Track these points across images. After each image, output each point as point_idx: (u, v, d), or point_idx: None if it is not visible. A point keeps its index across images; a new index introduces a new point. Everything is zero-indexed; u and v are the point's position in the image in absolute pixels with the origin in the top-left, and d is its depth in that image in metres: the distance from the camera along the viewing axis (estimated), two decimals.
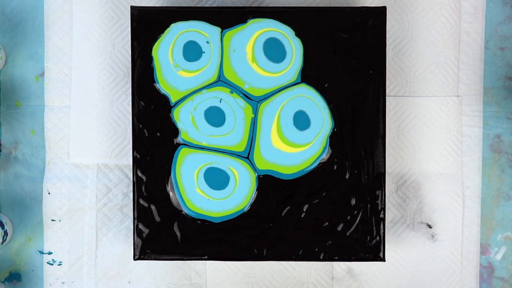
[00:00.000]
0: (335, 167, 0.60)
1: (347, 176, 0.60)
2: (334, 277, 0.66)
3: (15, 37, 0.66)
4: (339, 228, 0.60)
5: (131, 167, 0.63)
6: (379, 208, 0.60)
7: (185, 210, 0.60)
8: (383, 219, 0.60)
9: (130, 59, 0.64)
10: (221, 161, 0.60)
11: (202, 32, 0.60)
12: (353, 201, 0.60)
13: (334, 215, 0.60)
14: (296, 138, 0.60)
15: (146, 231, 0.60)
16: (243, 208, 0.60)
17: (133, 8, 0.60)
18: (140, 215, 0.60)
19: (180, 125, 0.60)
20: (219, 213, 0.60)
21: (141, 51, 0.60)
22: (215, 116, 0.60)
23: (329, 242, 0.60)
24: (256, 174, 0.60)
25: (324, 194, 0.60)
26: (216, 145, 0.60)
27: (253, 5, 0.65)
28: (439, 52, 0.65)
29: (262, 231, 0.60)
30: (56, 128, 0.66)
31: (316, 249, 0.60)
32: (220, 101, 0.60)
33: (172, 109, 0.60)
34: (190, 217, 0.60)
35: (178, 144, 0.60)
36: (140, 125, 0.60)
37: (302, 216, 0.60)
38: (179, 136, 0.60)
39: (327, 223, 0.60)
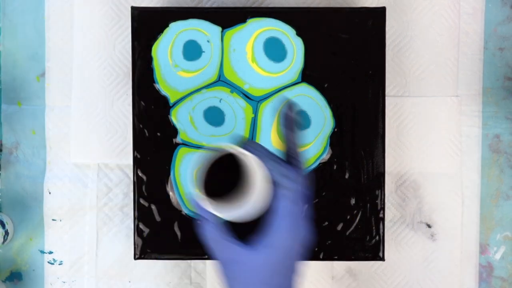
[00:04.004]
0: (335, 167, 0.60)
1: (347, 176, 0.60)
2: (333, 276, 0.66)
3: (16, 37, 0.66)
4: (339, 227, 0.60)
5: (132, 167, 0.63)
6: (379, 208, 0.60)
7: (185, 210, 0.60)
8: (383, 219, 0.60)
9: (130, 59, 0.64)
10: None
11: (203, 30, 0.60)
12: (352, 201, 0.60)
13: (334, 215, 0.60)
14: None
15: (146, 230, 0.60)
16: None
17: (133, 9, 0.60)
18: (141, 214, 0.60)
19: (178, 125, 0.60)
20: None
21: (141, 51, 0.60)
22: (214, 116, 0.60)
23: (329, 242, 0.60)
24: None
25: (324, 194, 0.60)
26: None
27: (253, 5, 0.65)
28: (438, 53, 0.65)
29: None
30: (56, 128, 0.66)
31: (316, 249, 0.60)
32: (220, 101, 0.60)
33: (170, 110, 0.60)
34: (190, 217, 0.60)
35: (177, 144, 0.60)
36: (141, 125, 0.60)
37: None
38: (178, 136, 0.60)
39: (327, 223, 0.60)
